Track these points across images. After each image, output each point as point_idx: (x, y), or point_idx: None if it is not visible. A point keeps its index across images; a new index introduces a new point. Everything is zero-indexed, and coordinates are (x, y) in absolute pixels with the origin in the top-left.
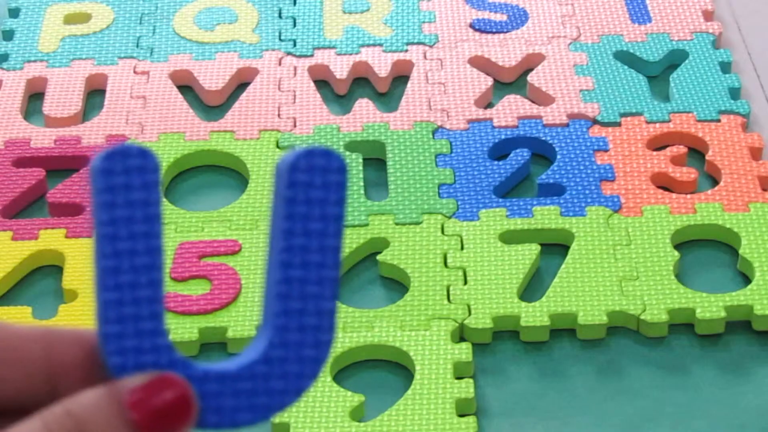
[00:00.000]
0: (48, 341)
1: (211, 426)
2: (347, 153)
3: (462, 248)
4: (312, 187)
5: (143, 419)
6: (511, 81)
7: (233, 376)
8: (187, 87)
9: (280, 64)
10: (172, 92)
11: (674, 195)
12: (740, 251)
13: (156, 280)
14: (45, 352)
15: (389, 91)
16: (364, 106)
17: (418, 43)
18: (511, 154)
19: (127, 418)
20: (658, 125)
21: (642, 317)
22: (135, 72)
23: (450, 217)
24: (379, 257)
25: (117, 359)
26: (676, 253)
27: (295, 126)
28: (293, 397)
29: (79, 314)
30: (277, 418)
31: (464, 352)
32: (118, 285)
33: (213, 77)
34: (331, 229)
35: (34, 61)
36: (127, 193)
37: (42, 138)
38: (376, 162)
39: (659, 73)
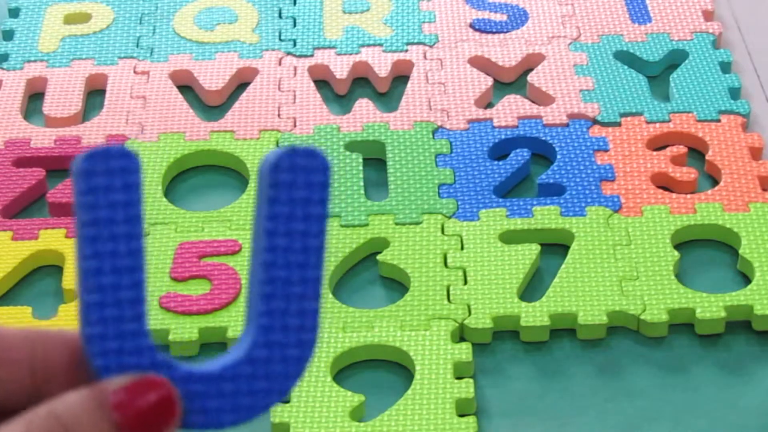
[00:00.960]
0: (33, 343)
1: (196, 426)
2: (347, 153)
3: (462, 248)
4: (295, 187)
5: (127, 420)
6: (511, 81)
7: (217, 376)
8: (187, 87)
9: (280, 64)
10: (172, 92)
11: (674, 195)
12: (740, 251)
13: (138, 282)
14: (30, 354)
15: (389, 91)
16: (364, 106)
17: (418, 43)
18: (511, 154)
19: (111, 419)
20: (658, 125)
21: (642, 317)
22: (135, 72)
23: (450, 217)
24: (379, 257)
25: (100, 360)
26: (676, 253)
27: (295, 126)
28: (277, 397)
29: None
30: (277, 418)
31: (464, 352)
32: (100, 286)
33: (213, 77)
34: (315, 229)
35: (34, 61)
36: (109, 195)
37: (42, 138)
38: (376, 162)
39: (659, 73)
